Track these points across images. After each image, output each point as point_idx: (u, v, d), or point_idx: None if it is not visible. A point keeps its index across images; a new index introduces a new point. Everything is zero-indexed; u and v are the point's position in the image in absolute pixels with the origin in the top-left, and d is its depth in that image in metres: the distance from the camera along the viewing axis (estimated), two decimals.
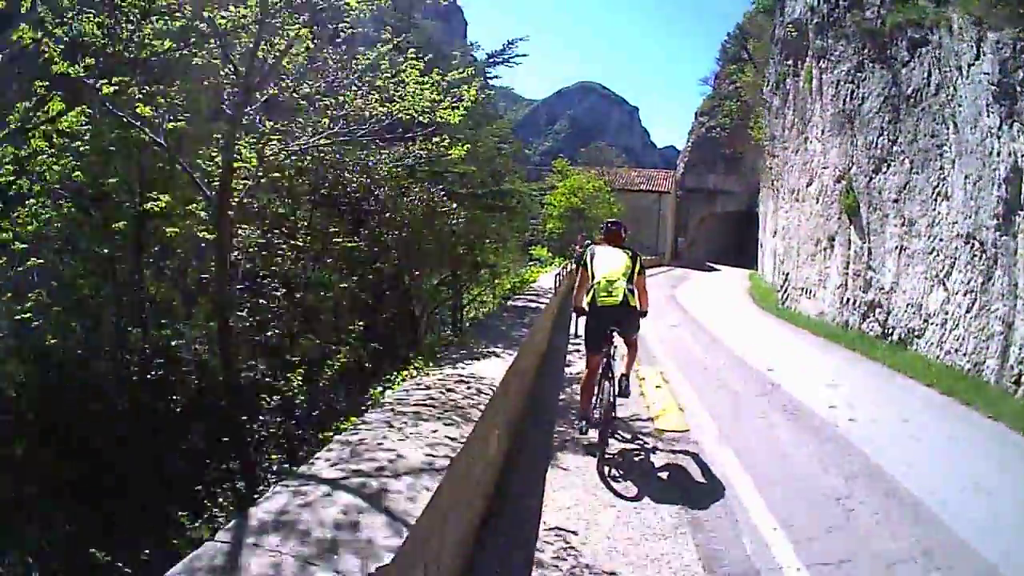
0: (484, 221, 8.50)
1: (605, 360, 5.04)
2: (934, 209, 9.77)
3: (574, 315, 10.52)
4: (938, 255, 9.58)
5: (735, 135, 44.78)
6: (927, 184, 9.96)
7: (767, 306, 16.89)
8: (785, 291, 16.00)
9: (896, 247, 10.70)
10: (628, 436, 5.66)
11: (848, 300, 12.28)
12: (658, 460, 5.13)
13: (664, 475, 4.86)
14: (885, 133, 11.27)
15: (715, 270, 38.22)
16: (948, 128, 9.50)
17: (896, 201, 10.77)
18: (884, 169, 11.21)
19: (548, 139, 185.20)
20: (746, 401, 7.06)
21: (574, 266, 15.60)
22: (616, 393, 5.14)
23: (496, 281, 10.19)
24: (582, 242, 15.30)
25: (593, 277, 5.03)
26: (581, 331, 6.08)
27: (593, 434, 5.07)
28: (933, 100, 9.96)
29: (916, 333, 10.07)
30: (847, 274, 12.35)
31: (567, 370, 8.26)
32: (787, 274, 15.91)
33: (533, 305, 8.63)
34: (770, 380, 8.05)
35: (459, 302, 9.08)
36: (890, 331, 10.84)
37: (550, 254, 18.23)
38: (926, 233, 9.92)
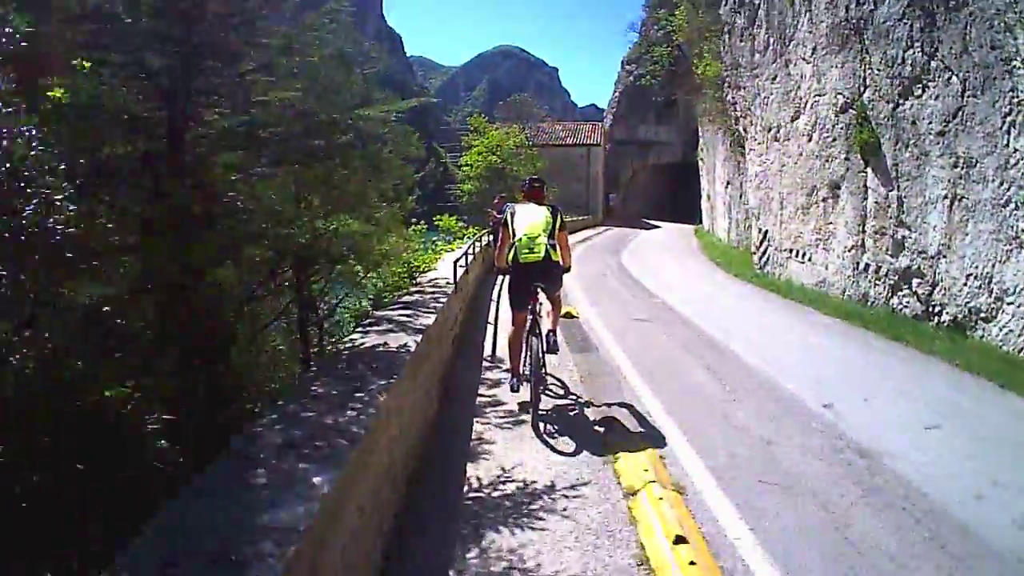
0: (307, 180, 4.65)
1: (531, 317, 5.11)
2: (1007, 144, 6.95)
3: (490, 324, 7.55)
4: (1020, 208, 6.81)
5: (667, 82, 42.10)
6: (993, 111, 7.10)
7: (740, 272, 14.05)
8: (764, 253, 13.22)
9: (945, 195, 7.89)
10: (561, 392, 5.70)
11: (867, 266, 9.52)
12: (592, 414, 5.12)
13: (600, 429, 4.82)
14: (916, 45, 8.33)
15: (654, 227, 35.80)
16: (1017, 37, 6.66)
17: (942, 134, 7.91)
18: (918, 92, 8.31)
19: (468, 105, 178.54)
20: (856, 524, 3.45)
21: (491, 238, 12.20)
22: (544, 349, 5.18)
23: (367, 276, 6.62)
24: (499, 206, 11.96)
25: (514, 235, 5.02)
26: (502, 349, 6.22)
27: (525, 392, 5.09)
28: (984, 3, 7.10)
29: (983, 315, 7.35)
30: (864, 232, 9.56)
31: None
32: (765, 232, 13.09)
33: (401, 340, 4.14)
34: (848, 439, 4.68)
35: (309, 319, 5.45)
36: (936, 309, 8.12)
37: (462, 224, 13.99)
38: (995, 177, 7.10)
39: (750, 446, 4.56)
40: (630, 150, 44.05)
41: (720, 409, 5.38)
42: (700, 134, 32.05)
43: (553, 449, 4.34)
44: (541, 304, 5.26)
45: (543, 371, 5.26)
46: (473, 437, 4.65)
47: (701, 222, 33.34)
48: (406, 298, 6.08)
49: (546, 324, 5.29)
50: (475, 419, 5.04)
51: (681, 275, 14.77)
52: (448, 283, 6.87)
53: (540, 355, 5.04)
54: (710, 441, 4.62)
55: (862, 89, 9.51)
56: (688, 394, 5.81)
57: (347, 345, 4.05)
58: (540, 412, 4.87)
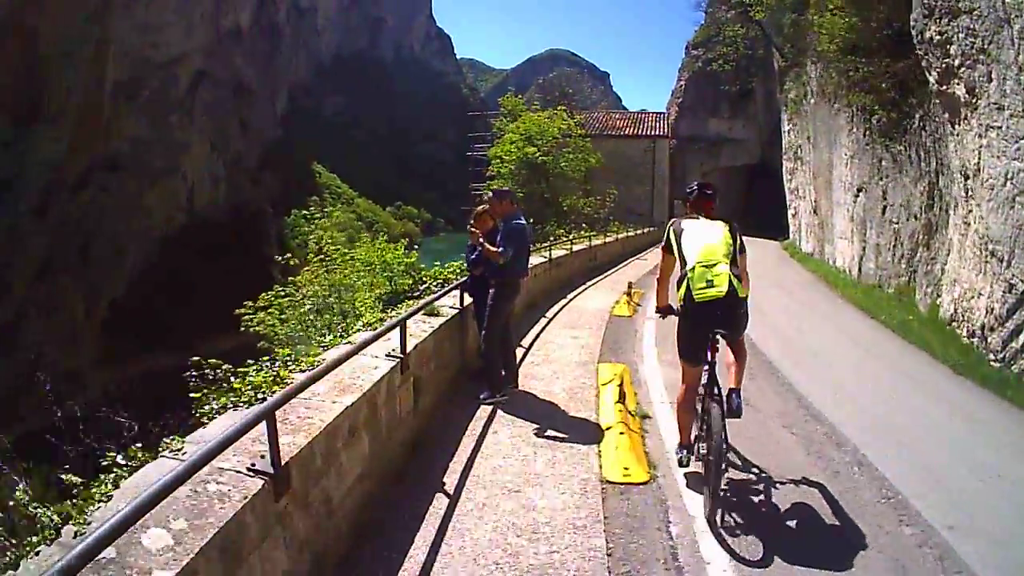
0: None
1: (709, 372, 3.97)
2: None
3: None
4: None
5: (742, 68, 35.59)
6: None
7: (952, 357, 7.49)
8: (1020, 331, 6.98)
9: None
10: (741, 463, 4.42)
11: None
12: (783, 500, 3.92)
13: (793, 523, 3.69)
14: None
15: None
16: None
17: None
18: None
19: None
20: None
21: (470, 291, 6.55)
22: (725, 414, 3.86)
23: None
24: (487, 211, 6.44)
25: (685, 263, 3.84)
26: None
27: (694, 466, 4.15)
28: None
29: None
30: None
31: None
32: None
33: None
34: None
35: None
36: None
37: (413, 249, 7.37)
38: None
39: None
40: (698, 148, 37.55)
41: None
42: (787, 130, 25.62)
43: (738, 558, 3.25)
44: (719, 354, 3.99)
45: (725, 443, 3.79)
46: None
47: (787, 237, 26.89)
48: None
49: (727, 381, 4.07)
50: None
51: (875, 380, 7.26)
52: None
53: (721, 423, 3.77)
54: None
55: None
56: None
57: None
58: (720, 494, 3.77)
